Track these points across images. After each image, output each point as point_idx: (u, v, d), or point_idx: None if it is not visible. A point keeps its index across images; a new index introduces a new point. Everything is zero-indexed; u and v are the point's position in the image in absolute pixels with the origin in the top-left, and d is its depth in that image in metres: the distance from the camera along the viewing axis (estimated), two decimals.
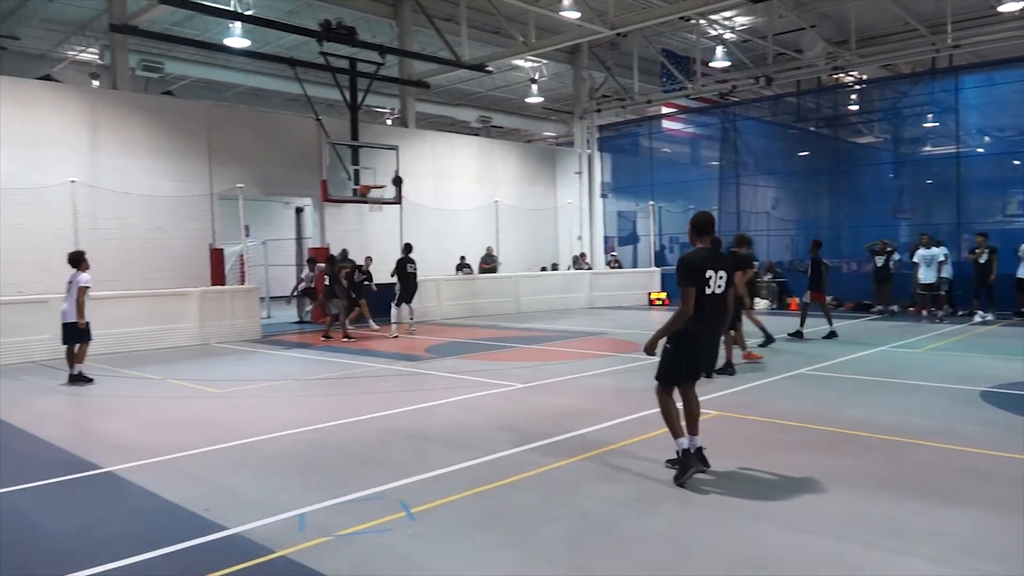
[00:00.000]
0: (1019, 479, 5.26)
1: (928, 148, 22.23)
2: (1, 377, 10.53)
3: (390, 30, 19.88)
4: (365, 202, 17.44)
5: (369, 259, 16.07)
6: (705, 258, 5.23)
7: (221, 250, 16.34)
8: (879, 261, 16.66)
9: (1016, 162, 20.99)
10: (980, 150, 21.16)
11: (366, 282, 15.50)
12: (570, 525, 4.49)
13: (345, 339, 14.16)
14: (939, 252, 15.56)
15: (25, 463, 6.12)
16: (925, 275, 15.51)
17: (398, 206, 18.30)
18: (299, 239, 18.71)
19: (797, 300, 17.09)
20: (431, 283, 18.26)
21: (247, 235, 16.28)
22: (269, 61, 19.04)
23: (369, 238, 18.64)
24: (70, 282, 9.79)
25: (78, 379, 9.71)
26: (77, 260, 9.89)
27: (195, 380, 9.48)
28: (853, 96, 23.61)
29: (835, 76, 21.52)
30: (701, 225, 5.31)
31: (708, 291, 5.15)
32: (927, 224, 18.05)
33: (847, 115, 24.00)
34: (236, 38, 16.42)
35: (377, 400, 8.46)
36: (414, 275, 15.16)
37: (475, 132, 27.25)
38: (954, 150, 19.06)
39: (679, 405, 5.42)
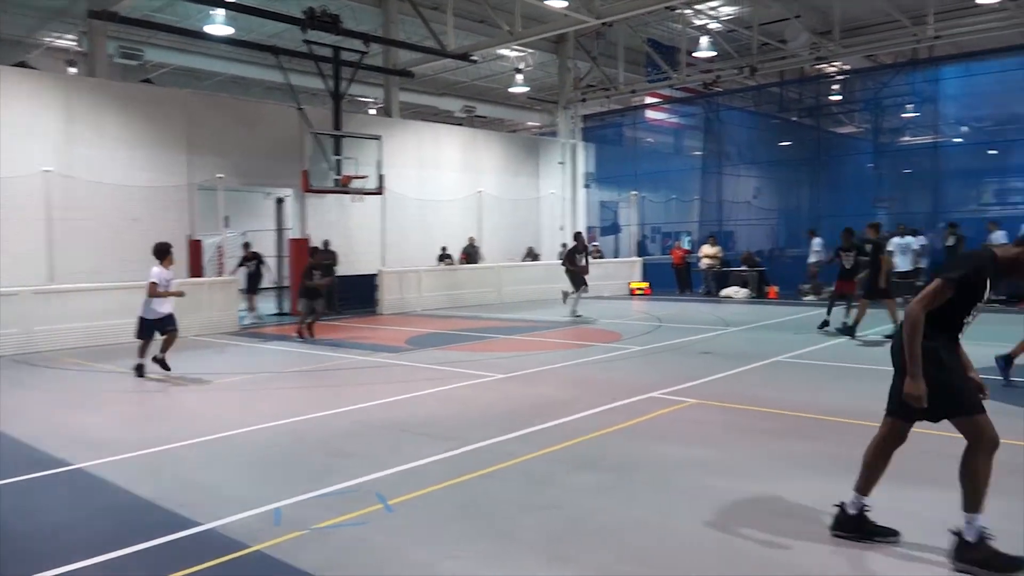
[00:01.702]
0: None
1: (907, 138, 22.44)
2: None
3: (375, 18, 19.74)
4: (347, 192, 17.34)
5: (327, 244, 15.52)
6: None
7: (199, 241, 16.20)
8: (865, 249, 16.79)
9: (992, 152, 21.21)
10: (958, 140, 21.37)
11: (316, 272, 13.49)
12: (548, 515, 4.50)
13: (300, 337, 12.89)
14: (914, 241, 15.72)
15: None
16: (901, 263, 15.69)
17: (380, 196, 18.21)
18: (280, 230, 18.58)
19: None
20: (412, 274, 18.23)
21: (226, 226, 16.14)
22: (251, 49, 18.85)
23: (352, 229, 18.55)
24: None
25: (140, 369, 9.44)
26: (158, 253, 9.58)
27: (170, 374, 9.40)
28: (835, 86, 23.74)
29: (818, 66, 21.61)
30: None
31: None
32: (905, 213, 18.21)
33: (829, 105, 24.15)
34: (218, 25, 16.22)
35: (355, 392, 8.44)
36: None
37: (459, 122, 27.15)
38: (933, 140, 19.22)
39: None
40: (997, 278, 3.72)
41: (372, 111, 24.77)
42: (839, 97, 24.01)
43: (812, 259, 18.95)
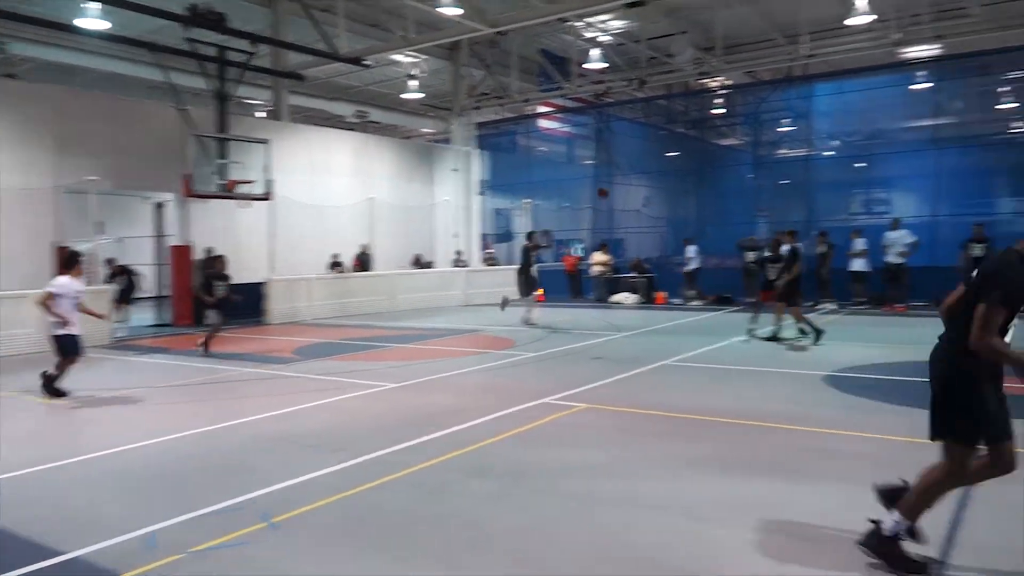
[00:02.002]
0: (857, 454, 5.74)
1: (784, 151, 23.69)
2: None
3: (264, 18, 19.12)
4: (232, 198, 16.69)
5: (208, 252, 14.77)
6: None
7: (66, 249, 15.14)
8: (750, 256, 17.60)
9: (860, 165, 22.69)
10: (829, 153, 22.75)
11: (218, 283, 12.40)
12: (440, 524, 4.45)
13: (205, 350, 11.97)
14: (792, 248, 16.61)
15: None
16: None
17: (269, 202, 17.63)
18: (159, 237, 17.68)
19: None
20: (302, 282, 17.75)
21: (101, 232, 15.21)
22: (128, 45, 17.83)
23: (239, 236, 17.87)
24: None
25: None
26: (65, 262, 8.70)
27: (34, 390, 8.74)
28: (718, 100, 24.79)
29: (702, 81, 22.50)
30: None
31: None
32: (784, 221, 19.14)
33: (713, 118, 25.19)
34: (92, 19, 15.28)
35: (239, 406, 8.10)
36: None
37: (352, 127, 26.69)
38: (807, 153, 20.37)
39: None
40: None
41: (262, 114, 24.00)
42: (722, 111, 25.08)
43: (689, 267, 19.71)
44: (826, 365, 9.64)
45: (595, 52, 21.01)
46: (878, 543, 3.69)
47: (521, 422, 6.90)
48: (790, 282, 11.89)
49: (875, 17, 16.41)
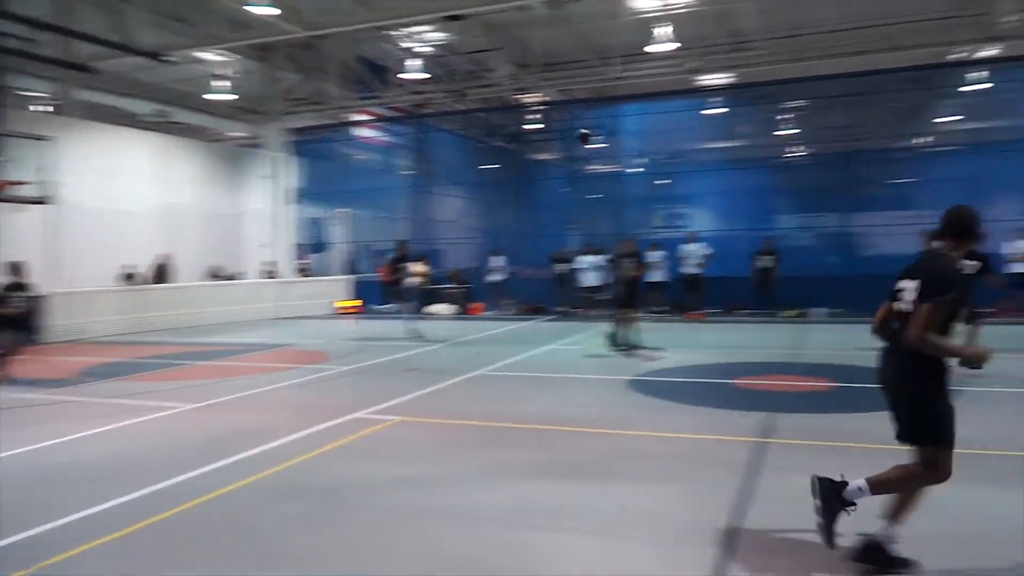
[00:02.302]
0: (657, 454, 6.05)
1: (595, 166, 24.80)
2: None
3: (48, 2, 17.27)
4: (3, 200, 14.89)
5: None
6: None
7: None
8: (560, 268, 18.21)
9: (663, 182, 24.26)
10: (636, 170, 24.13)
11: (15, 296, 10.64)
12: (244, 548, 4.19)
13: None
14: (600, 259, 17.46)
15: None
16: (589, 279, 17.36)
17: (50, 207, 15.90)
18: None
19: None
20: (90, 295, 16.24)
21: None
22: None
23: (12, 243, 15.94)
24: None
25: None
26: None
27: None
28: (534, 116, 25.52)
29: (518, 96, 23.07)
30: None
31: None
32: (594, 234, 20.03)
33: (529, 133, 25.89)
34: None
35: (11, 437, 7.17)
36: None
37: (152, 127, 24.79)
38: (616, 169, 21.47)
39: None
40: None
41: (48, 108, 21.70)
42: (539, 126, 25.86)
43: (494, 277, 20.12)
44: (631, 371, 10.12)
45: (414, 62, 20.94)
46: (874, 553, 3.73)
47: (332, 438, 6.65)
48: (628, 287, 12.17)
49: (678, 45, 17.60)
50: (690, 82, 20.79)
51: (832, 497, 3.87)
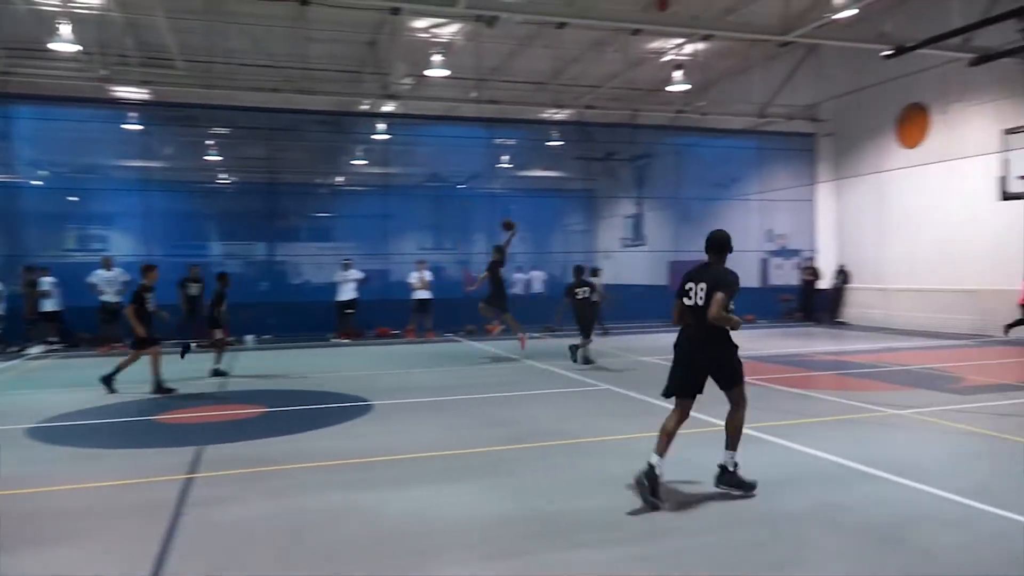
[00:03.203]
0: (76, 511, 5.20)
1: None
2: None
3: None
4: None
5: None
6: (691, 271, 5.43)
7: None
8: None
9: (74, 198, 21.57)
10: (37, 183, 20.91)
11: None
12: None
13: None
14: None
15: None
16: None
17: None
18: None
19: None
20: None
21: None
22: None
23: None
24: None
25: None
26: None
27: None
28: None
29: None
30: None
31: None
32: None
33: None
34: None
35: None
36: None
37: None
38: (10, 180, 18.24)
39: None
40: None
41: None
42: None
43: None
44: (31, 416, 8.57)
45: None
46: (730, 478, 5.17)
47: None
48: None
49: (80, 48, 15.80)
50: (105, 91, 18.92)
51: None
